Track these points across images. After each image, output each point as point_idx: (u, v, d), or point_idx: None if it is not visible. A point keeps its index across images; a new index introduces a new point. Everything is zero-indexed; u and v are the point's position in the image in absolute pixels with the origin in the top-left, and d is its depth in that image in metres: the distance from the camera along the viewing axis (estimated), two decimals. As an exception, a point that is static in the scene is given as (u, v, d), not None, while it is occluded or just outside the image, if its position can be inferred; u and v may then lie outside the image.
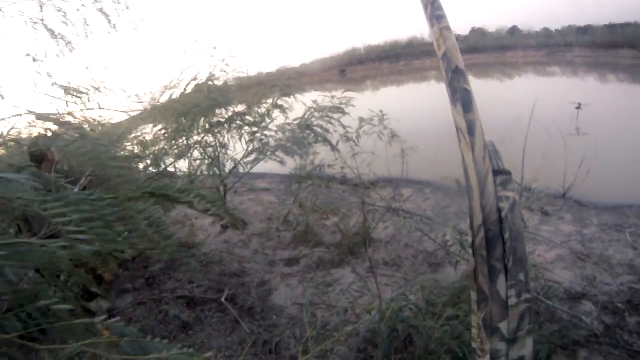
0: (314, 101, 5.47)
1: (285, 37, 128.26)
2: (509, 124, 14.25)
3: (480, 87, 27.94)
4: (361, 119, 5.21)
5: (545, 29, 54.70)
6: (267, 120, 5.55)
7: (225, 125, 5.26)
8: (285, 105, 5.59)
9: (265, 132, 5.42)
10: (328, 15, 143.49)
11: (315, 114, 5.26)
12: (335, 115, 5.23)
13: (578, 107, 12.61)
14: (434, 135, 12.67)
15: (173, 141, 5.15)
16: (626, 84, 27.24)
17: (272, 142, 5.37)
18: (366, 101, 25.19)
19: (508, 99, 19.74)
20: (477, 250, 0.72)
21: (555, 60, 42.01)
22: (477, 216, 0.72)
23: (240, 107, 5.75)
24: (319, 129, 5.15)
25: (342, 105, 5.26)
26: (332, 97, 5.41)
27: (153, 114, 5.03)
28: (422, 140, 11.66)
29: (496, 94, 22.50)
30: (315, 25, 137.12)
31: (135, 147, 5.29)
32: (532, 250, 4.95)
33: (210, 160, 5.35)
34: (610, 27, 53.44)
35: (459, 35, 54.77)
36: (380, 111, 5.23)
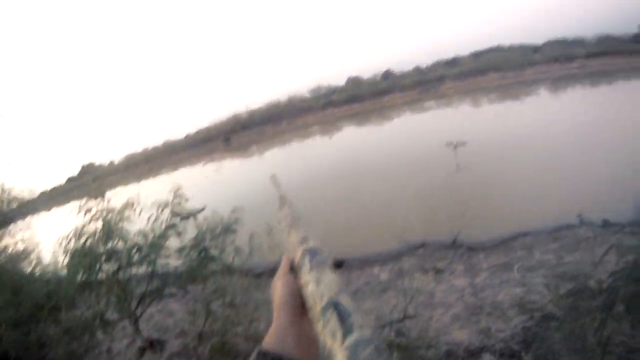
0: (206, 220, 5.68)
1: (170, 108, 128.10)
2: (392, 173, 14.95)
3: (362, 136, 29.28)
4: (251, 236, 5.50)
5: (417, 68, 58.65)
6: (162, 242, 5.65)
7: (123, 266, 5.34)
8: (179, 229, 5.73)
9: (163, 260, 5.54)
10: (210, 83, 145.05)
11: (208, 235, 5.50)
12: (228, 237, 5.48)
13: (455, 147, 13.60)
14: (324, 197, 13.23)
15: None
16: (496, 104, 30.14)
17: (170, 265, 5.54)
18: (253, 168, 25.34)
19: (390, 145, 20.85)
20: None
21: (430, 96, 44.91)
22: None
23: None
24: (214, 250, 5.41)
25: (232, 225, 5.52)
26: (221, 218, 5.62)
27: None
28: (313, 202, 11.95)
29: (377, 142, 23.56)
30: (197, 94, 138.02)
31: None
32: (430, 316, 5.25)
33: (116, 298, 5.41)
34: (475, 55, 58.84)
35: (336, 86, 57.13)
36: (270, 224, 5.54)
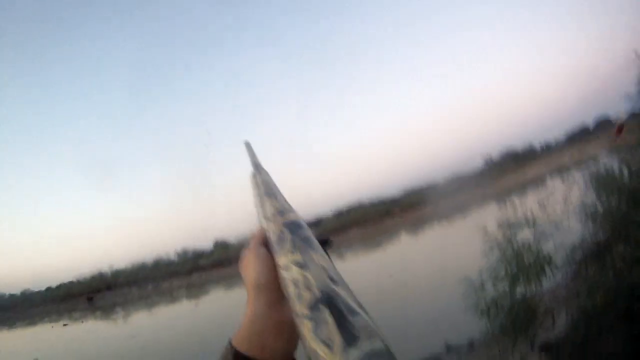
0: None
1: (29, 256, 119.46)
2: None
3: (230, 300, 29.20)
4: None
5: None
6: None
7: None
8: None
9: None
10: (72, 235, 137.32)
11: None
12: None
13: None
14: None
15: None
16: (361, 257, 31.54)
17: None
18: (118, 333, 23.77)
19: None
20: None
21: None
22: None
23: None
24: None
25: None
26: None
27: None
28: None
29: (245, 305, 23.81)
30: (59, 244, 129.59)
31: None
32: None
33: None
34: (338, 215, 61.73)
35: (203, 250, 56.90)
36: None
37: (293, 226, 0.62)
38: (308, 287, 0.47)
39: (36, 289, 60.53)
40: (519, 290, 3.70)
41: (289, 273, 0.52)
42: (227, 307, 25.55)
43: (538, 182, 39.08)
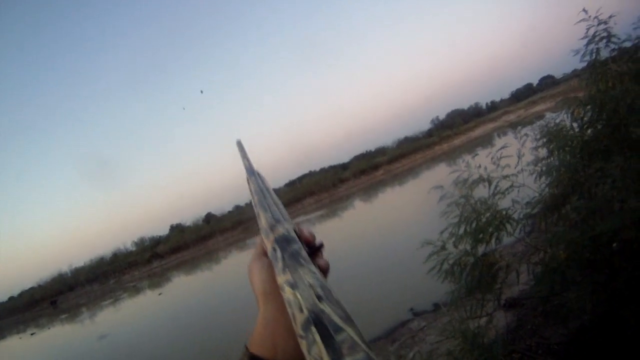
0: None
1: None
2: (228, 321, 14.75)
3: (193, 284, 29.17)
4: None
5: (237, 206, 60.01)
6: None
7: None
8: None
9: None
10: (27, 240, 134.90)
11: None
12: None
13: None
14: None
15: None
16: (316, 226, 32.01)
17: None
18: (86, 333, 23.53)
19: (222, 290, 20.87)
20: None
21: (253, 233, 46.33)
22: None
23: None
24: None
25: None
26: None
27: None
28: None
29: (210, 289, 23.64)
30: (15, 252, 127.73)
31: None
32: None
33: None
34: (290, 183, 62.29)
35: (160, 236, 56.32)
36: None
37: (283, 242, 0.62)
38: (299, 308, 0.49)
39: (-2, 301, 59.76)
40: (480, 248, 3.78)
41: (285, 293, 0.54)
42: (191, 293, 25.80)
43: (487, 140, 40.35)
